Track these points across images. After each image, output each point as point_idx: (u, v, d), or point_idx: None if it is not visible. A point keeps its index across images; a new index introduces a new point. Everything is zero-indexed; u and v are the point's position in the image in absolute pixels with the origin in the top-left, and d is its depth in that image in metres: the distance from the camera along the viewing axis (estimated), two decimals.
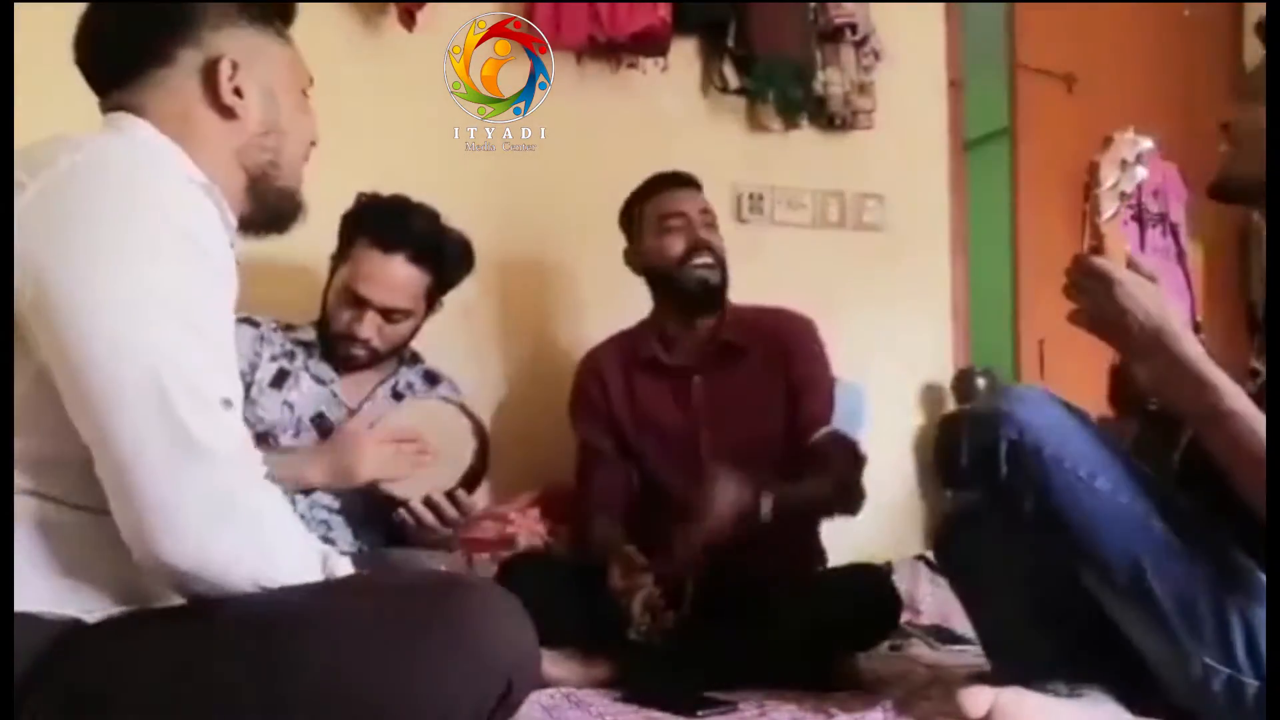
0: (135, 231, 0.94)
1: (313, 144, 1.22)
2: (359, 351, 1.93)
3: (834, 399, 2.11)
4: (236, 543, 0.92)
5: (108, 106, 1.11)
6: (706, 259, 2.08)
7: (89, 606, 0.97)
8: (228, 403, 0.94)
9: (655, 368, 2.15)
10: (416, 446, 1.83)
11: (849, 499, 2.01)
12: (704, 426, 2.09)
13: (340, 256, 1.96)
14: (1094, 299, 1.26)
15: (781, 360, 2.10)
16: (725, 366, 2.11)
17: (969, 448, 1.31)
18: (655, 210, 2.14)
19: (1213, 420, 1.21)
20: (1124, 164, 1.29)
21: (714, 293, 2.10)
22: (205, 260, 0.97)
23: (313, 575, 0.98)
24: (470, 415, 1.93)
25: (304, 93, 1.20)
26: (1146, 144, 1.31)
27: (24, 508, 0.94)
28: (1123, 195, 1.29)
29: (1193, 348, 1.23)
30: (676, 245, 2.09)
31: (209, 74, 1.09)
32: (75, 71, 1.13)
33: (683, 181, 2.17)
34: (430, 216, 1.95)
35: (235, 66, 1.10)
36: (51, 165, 0.95)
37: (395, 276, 1.90)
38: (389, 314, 1.92)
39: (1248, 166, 1.40)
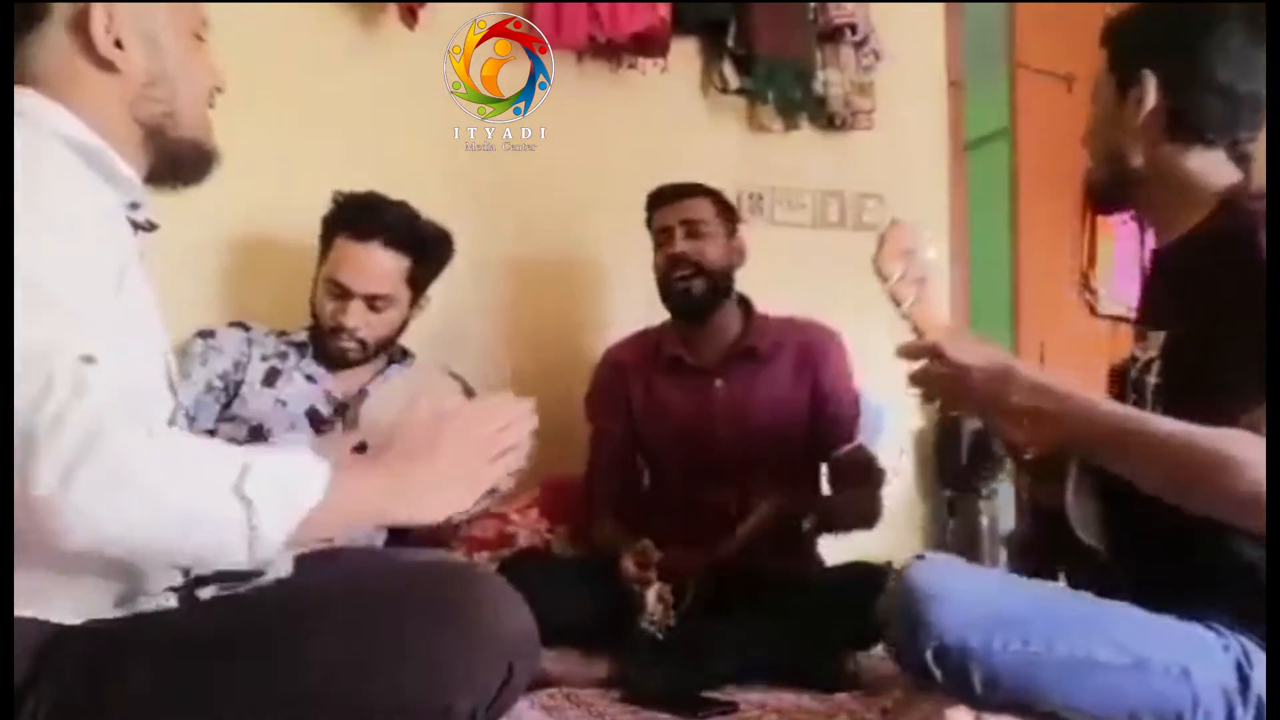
0: None
1: (218, 90, 1.16)
2: (348, 344, 1.95)
3: (860, 415, 2.17)
4: (128, 508, 0.82)
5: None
6: (684, 271, 2.11)
7: (77, 611, 0.95)
8: (88, 359, 0.85)
9: (677, 368, 2.18)
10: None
11: (871, 516, 2.12)
12: (722, 428, 2.11)
13: (323, 256, 2.00)
14: (932, 379, 1.25)
15: (808, 371, 2.14)
16: (748, 371, 2.14)
17: (897, 656, 1.29)
18: (653, 226, 2.20)
19: (1099, 434, 1.18)
20: (907, 253, 1.29)
21: (695, 302, 2.13)
22: (72, 235, 0.93)
23: (230, 506, 0.86)
24: (461, 381, 1.96)
25: (197, 36, 1.14)
26: (922, 231, 1.31)
27: None
28: (921, 281, 1.29)
29: (1046, 375, 1.21)
30: (660, 261, 2.15)
31: (81, 25, 1.04)
32: None
33: (670, 196, 2.17)
34: (403, 207, 1.99)
35: (110, 15, 1.05)
36: None
37: (373, 262, 1.94)
38: (372, 301, 1.95)
39: (1094, 172, 1.41)
